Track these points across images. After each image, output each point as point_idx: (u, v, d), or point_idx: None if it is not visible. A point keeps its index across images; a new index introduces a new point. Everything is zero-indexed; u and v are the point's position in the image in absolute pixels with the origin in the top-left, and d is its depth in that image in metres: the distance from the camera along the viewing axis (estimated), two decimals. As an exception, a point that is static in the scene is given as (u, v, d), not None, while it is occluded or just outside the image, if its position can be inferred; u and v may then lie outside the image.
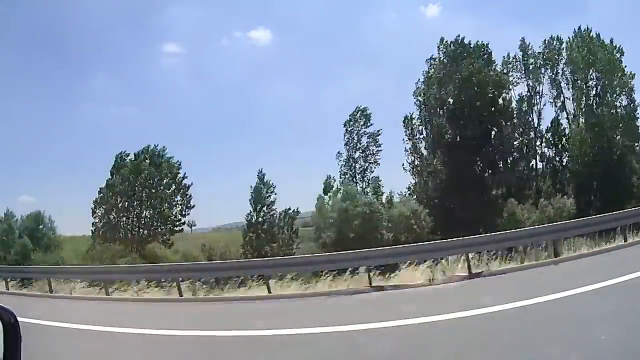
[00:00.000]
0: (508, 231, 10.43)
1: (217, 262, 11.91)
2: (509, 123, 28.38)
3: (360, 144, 28.90)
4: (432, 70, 29.04)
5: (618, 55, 26.70)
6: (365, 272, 8.40)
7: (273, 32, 54.07)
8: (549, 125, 29.01)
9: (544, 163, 29.35)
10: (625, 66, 26.68)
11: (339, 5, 57.37)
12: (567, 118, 28.66)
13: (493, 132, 28.04)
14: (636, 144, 26.91)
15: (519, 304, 5.26)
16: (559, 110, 28.87)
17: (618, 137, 26.30)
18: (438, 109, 28.53)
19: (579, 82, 27.56)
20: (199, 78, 55.39)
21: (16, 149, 47.11)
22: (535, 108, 29.31)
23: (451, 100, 27.89)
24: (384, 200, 26.76)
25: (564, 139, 28.50)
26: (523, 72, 29.38)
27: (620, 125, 26.54)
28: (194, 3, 56.12)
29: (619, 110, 26.97)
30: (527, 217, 23.16)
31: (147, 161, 28.49)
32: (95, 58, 55.06)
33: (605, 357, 3.63)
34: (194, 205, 29.32)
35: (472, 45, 28.43)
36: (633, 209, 11.55)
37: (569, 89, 28.32)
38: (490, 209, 24.10)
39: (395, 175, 46.74)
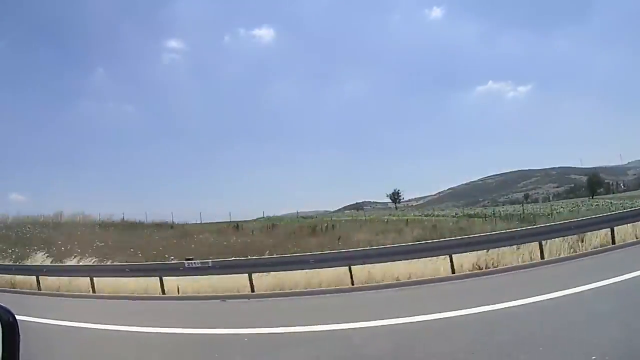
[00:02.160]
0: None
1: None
2: None
3: None
4: None
5: None
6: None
7: (276, 31, 54.02)
8: None
9: None
10: None
11: (344, 6, 57.24)
12: None
13: None
14: None
15: None
16: None
17: None
18: None
19: None
20: (200, 74, 55.19)
21: (6, 146, 46.23)
22: None
23: None
24: None
25: None
26: None
27: None
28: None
29: None
30: None
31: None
32: (94, 53, 54.75)
33: None
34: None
35: None
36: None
37: None
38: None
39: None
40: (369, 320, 5.44)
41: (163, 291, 10.04)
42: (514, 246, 9.67)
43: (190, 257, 11.51)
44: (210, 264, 10.08)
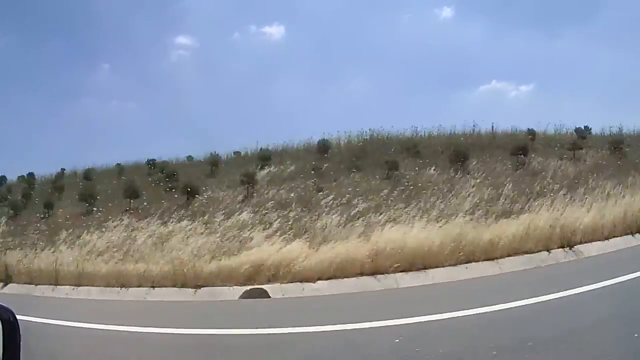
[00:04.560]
0: None
1: None
2: None
3: None
4: None
5: None
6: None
7: (287, 29, 53.67)
8: None
9: None
10: None
11: (355, 5, 57.07)
12: None
13: None
14: None
15: None
16: None
17: None
18: None
19: None
20: (207, 71, 54.82)
21: (6, 145, 45.26)
22: None
23: None
24: None
25: None
26: None
27: None
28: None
29: None
30: None
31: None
32: (99, 48, 53.98)
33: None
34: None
35: None
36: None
37: None
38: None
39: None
40: None
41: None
42: None
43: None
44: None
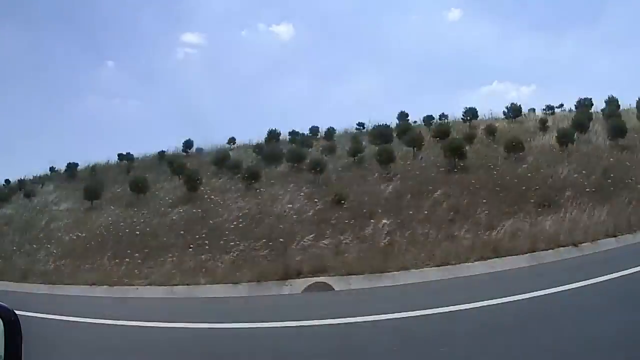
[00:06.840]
0: None
1: None
2: None
3: None
4: None
5: None
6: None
7: (296, 28, 53.53)
8: None
9: None
10: None
11: (364, 6, 57.00)
12: None
13: None
14: None
15: None
16: None
17: None
18: None
19: None
20: (215, 69, 54.61)
21: (9, 145, 44.51)
22: None
23: None
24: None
25: None
26: None
27: None
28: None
29: None
30: None
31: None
32: (105, 45, 53.63)
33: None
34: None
35: None
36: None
37: None
38: None
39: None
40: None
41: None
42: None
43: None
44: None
